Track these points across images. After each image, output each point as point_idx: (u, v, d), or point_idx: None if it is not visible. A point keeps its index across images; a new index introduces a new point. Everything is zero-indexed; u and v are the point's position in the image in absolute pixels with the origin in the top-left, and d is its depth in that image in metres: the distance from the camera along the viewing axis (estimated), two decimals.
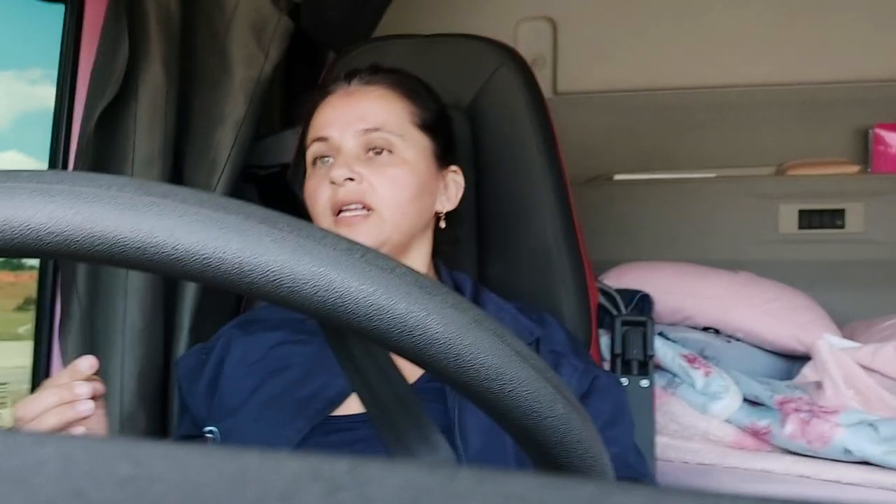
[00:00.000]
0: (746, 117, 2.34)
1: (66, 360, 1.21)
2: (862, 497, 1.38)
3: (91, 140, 1.20)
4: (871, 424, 1.42)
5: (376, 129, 1.00)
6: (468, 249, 1.21)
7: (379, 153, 1.00)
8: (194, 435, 1.00)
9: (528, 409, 0.41)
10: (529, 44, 2.42)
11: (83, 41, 1.32)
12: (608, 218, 2.28)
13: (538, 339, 1.02)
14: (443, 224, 1.08)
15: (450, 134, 1.10)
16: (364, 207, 0.97)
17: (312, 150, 1.03)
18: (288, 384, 0.96)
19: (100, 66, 1.22)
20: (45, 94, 1.53)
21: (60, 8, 1.32)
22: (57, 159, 1.32)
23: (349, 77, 1.05)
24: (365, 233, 0.96)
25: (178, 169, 1.34)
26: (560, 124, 1.27)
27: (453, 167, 1.09)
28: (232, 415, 0.96)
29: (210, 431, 0.97)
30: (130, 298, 1.23)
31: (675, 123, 2.38)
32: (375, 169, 0.99)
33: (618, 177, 2.38)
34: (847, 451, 1.40)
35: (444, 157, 1.07)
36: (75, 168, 1.24)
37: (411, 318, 0.38)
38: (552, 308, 1.15)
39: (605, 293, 1.55)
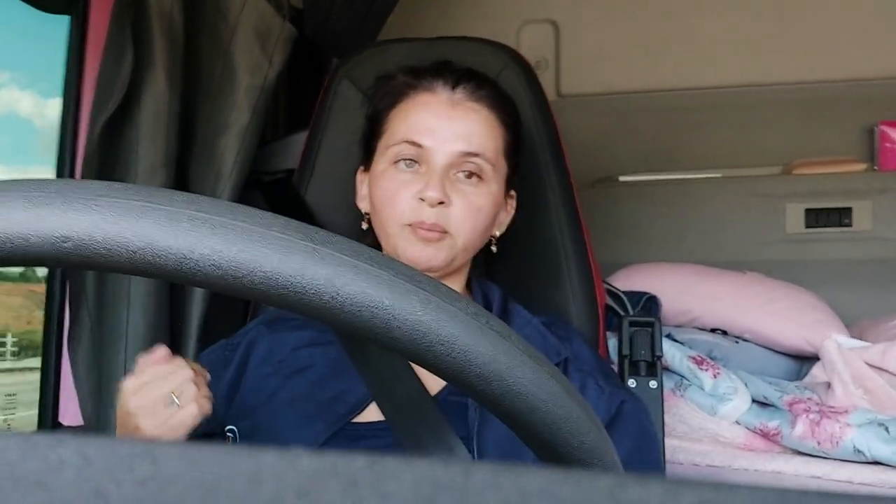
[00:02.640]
0: (751, 117, 2.34)
1: (76, 368, 1.22)
2: (872, 494, 1.37)
3: (97, 150, 1.21)
4: (881, 424, 1.42)
5: (476, 155, 0.98)
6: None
7: (469, 176, 0.98)
8: (213, 433, 1.00)
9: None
10: (532, 47, 2.42)
11: (88, 52, 1.33)
12: (614, 219, 2.28)
13: (566, 360, 1.00)
14: (494, 248, 1.07)
15: (519, 159, 1.08)
16: (442, 230, 0.96)
17: (398, 150, 0.99)
18: (309, 385, 0.96)
19: (104, 76, 1.23)
20: (11, 98, 1.53)
21: (31, 11, 1.31)
22: (63, 168, 1.32)
23: (455, 82, 1.01)
24: (438, 250, 0.96)
25: (184, 177, 1.35)
26: (564, 126, 1.27)
27: (511, 192, 1.08)
28: (252, 413, 0.96)
29: (231, 430, 0.97)
30: (134, 307, 1.23)
31: (679, 124, 2.38)
32: (462, 194, 0.97)
33: (623, 178, 2.38)
34: (858, 452, 1.40)
35: (511, 181, 1.06)
36: (82, 178, 1.24)
37: (522, 386, 0.42)
38: (560, 310, 1.15)
39: (613, 294, 1.55)
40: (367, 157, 1.05)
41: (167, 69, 1.27)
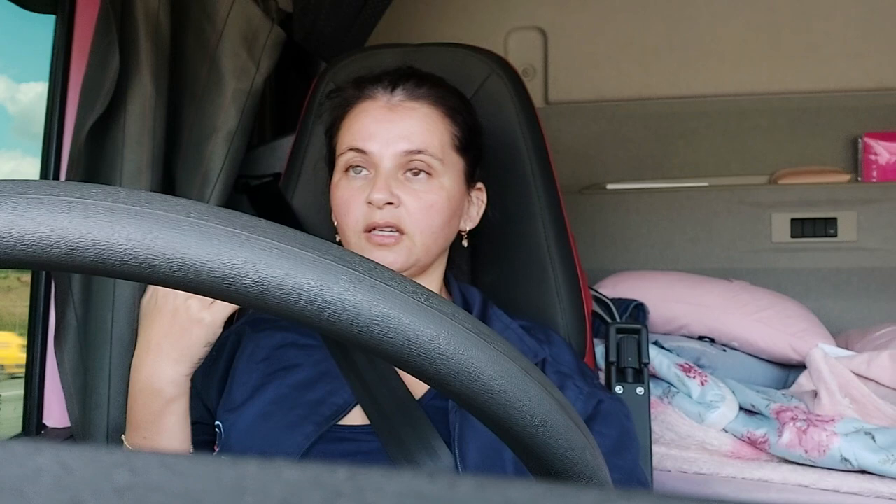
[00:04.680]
0: (737, 126, 2.36)
1: (62, 370, 1.21)
2: None
3: (82, 152, 1.20)
4: (868, 433, 1.42)
5: (419, 152, 0.98)
6: (462, 258, 1.21)
7: (416, 174, 0.99)
8: (202, 422, 1.00)
9: (562, 457, 0.44)
10: (520, 54, 2.43)
11: (73, 53, 1.32)
12: (601, 227, 2.29)
13: (544, 360, 1.01)
14: (465, 242, 1.08)
15: (479, 150, 1.08)
16: (397, 230, 0.97)
17: (347, 159, 1.01)
18: (294, 385, 0.97)
19: (90, 78, 1.22)
20: None
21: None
22: (48, 170, 1.31)
23: (393, 85, 1.02)
24: (395, 254, 0.97)
25: (170, 181, 1.34)
26: (552, 134, 1.27)
27: (478, 184, 1.09)
28: (237, 410, 0.96)
29: (218, 426, 0.98)
30: (118, 311, 1.22)
31: (666, 132, 2.39)
32: (412, 193, 0.98)
33: (610, 186, 2.39)
34: (844, 460, 1.40)
35: (473, 174, 1.06)
36: (67, 179, 1.23)
37: (470, 364, 0.40)
38: (546, 317, 1.15)
39: (600, 301, 1.55)
40: (330, 171, 1.07)
41: (154, 72, 1.26)
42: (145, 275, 0.36)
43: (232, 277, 0.36)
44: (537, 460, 0.44)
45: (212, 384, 1.02)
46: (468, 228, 1.08)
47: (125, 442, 0.92)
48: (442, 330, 0.39)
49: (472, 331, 0.40)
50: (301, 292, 0.37)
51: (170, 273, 0.36)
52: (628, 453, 0.98)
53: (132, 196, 0.36)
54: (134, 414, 0.88)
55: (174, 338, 0.85)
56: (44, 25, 1.33)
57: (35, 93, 1.34)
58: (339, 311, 0.37)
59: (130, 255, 0.35)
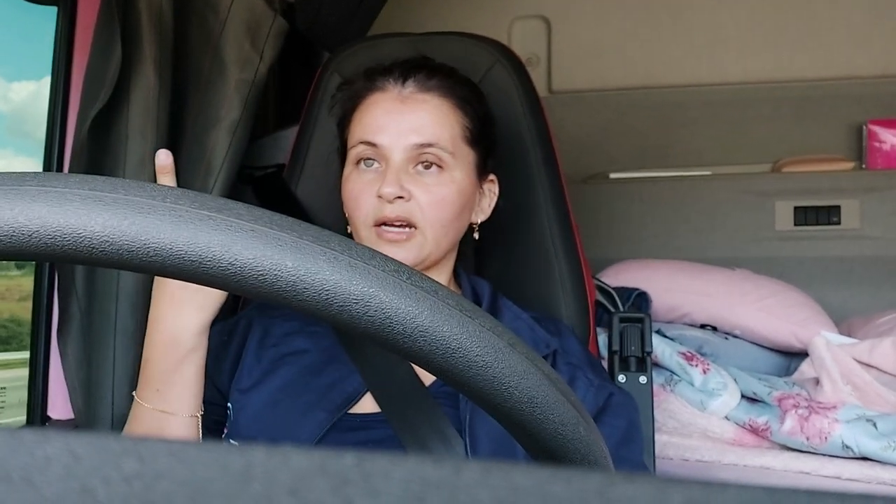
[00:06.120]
0: (741, 114, 2.35)
1: (66, 362, 1.21)
2: (862, 493, 1.38)
3: (85, 144, 1.20)
4: (869, 420, 1.43)
5: (430, 145, 0.98)
6: (466, 248, 1.21)
7: (427, 167, 0.98)
8: (213, 402, 1.00)
9: (554, 432, 0.43)
10: (524, 43, 2.42)
11: (76, 44, 1.32)
12: (604, 216, 2.29)
13: (555, 352, 1.01)
14: (476, 235, 1.08)
15: (491, 141, 1.08)
16: (407, 225, 0.97)
17: (358, 152, 1.00)
18: (303, 372, 0.97)
19: (93, 69, 1.22)
20: None
21: None
22: (51, 162, 1.31)
23: (404, 76, 1.01)
24: (406, 251, 0.97)
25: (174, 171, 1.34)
26: (555, 123, 1.27)
27: (491, 176, 1.08)
28: (247, 393, 0.97)
29: (228, 406, 0.99)
30: (122, 301, 1.22)
31: (670, 121, 2.38)
32: (423, 187, 0.97)
33: (614, 175, 2.39)
34: (846, 447, 1.40)
35: (485, 166, 1.06)
36: (70, 171, 1.23)
37: (454, 341, 0.39)
38: (550, 306, 1.15)
39: (603, 290, 1.55)
40: (342, 163, 1.07)
41: (157, 63, 1.26)
42: (123, 261, 0.36)
43: (208, 260, 0.36)
44: (530, 437, 0.43)
45: (223, 367, 1.02)
46: (479, 221, 1.07)
47: (136, 397, 0.95)
48: (424, 307, 0.39)
49: (455, 307, 0.40)
50: (277, 273, 0.37)
51: (147, 258, 0.36)
52: (634, 444, 0.98)
53: (108, 184, 0.36)
54: (150, 367, 0.92)
55: (193, 287, 0.88)
56: (36, 23, 1.33)
57: (27, 91, 1.33)
58: (318, 291, 0.37)
59: (107, 241, 0.35)
